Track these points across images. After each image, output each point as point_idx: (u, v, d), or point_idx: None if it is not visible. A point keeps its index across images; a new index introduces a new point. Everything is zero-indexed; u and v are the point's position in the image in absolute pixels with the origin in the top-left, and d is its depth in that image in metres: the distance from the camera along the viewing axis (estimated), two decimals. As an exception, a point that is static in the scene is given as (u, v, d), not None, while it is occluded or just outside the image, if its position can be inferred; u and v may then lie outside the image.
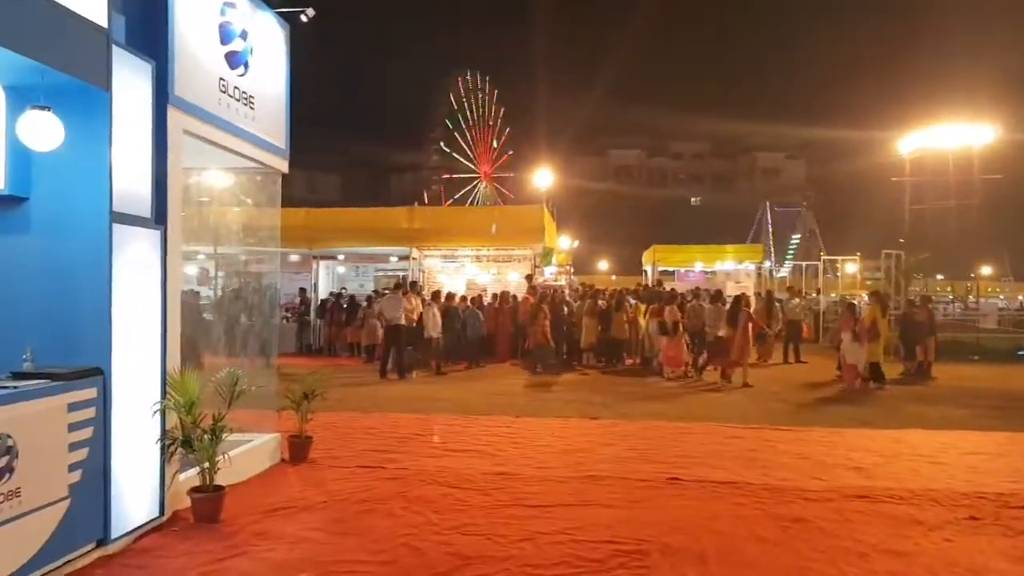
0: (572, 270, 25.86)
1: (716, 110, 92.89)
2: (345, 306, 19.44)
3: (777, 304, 18.80)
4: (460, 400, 11.49)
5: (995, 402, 11.64)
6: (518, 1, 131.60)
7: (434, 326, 15.71)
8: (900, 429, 9.26)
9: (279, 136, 7.01)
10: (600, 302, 16.86)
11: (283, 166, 7.18)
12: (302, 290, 20.76)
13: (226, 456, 5.39)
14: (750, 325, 13.69)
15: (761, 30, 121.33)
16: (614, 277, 51.12)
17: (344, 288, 21.41)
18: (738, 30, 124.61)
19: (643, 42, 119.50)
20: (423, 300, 16.39)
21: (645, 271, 32.11)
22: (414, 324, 15.16)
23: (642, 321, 16.82)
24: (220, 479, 5.37)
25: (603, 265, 60.69)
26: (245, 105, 6.29)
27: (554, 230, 22.30)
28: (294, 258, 21.05)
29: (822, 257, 25.57)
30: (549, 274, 20.83)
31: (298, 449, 7.28)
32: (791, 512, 5.66)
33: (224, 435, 5.31)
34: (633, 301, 17.08)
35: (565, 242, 33.81)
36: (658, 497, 6.08)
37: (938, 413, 10.56)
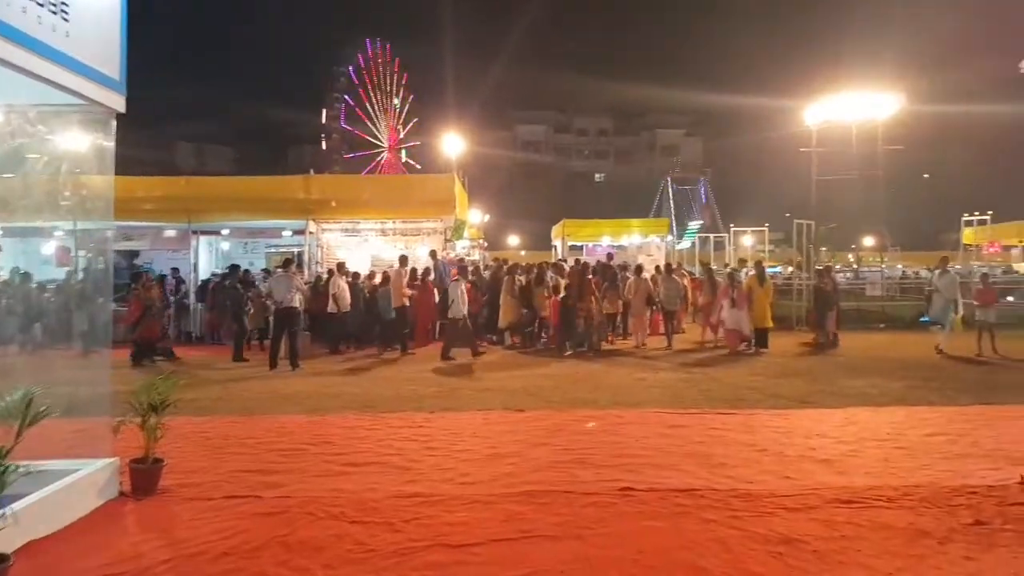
0: (486, 244, 24.53)
1: (620, 85, 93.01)
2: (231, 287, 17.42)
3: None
4: (364, 394, 10.03)
5: (924, 372, 11.26)
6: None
7: (343, 301, 14.66)
8: (846, 408, 8.55)
9: (110, 62, 5.27)
10: (519, 278, 15.65)
11: (116, 103, 5.41)
12: (174, 270, 18.50)
13: (5, 514, 3.74)
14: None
15: (666, 3, 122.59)
16: (523, 252, 50.23)
17: (235, 266, 19.27)
18: (644, 4, 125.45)
19: (549, 16, 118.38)
20: (329, 271, 15.47)
21: (555, 246, 31.59)
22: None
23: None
24: (7, 538, 3.77)
25: (513, 240, 59.73)
26: (54, 14, 4.59)
27: (466, 201, 20.87)
28: (170, 233, 18.72)
29: (731, 229, 25.24)
30: (461, 248, 19.42)
31: (143, 478, 5.63)
32: (774, 530, 4.61)
33: (11, 476, 3.71)
34: (553, 275, 15.96)
35: (475, 216, 32.40)
36: (613, 518, 4.91)
37: (874, 387, 9.97)
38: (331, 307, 14.79)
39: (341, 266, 15.63)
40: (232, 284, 14.87)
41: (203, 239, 19.45)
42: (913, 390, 9.73)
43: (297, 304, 12.99)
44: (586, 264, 16.24)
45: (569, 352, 13.98)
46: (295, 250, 19.43)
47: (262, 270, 18.67)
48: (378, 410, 8.87)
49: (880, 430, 7.35)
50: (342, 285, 14.94)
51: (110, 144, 5.59)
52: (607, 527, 4.74)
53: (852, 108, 20.07)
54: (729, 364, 12.47)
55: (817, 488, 5.41)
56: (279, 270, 13.61)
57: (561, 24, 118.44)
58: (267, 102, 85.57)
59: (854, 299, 23.39)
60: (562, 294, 14.60)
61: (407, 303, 14.85)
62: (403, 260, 15.53)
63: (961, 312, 13.61)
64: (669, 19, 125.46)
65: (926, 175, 65.89)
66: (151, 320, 13.96)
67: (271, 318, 13.62)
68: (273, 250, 20.89)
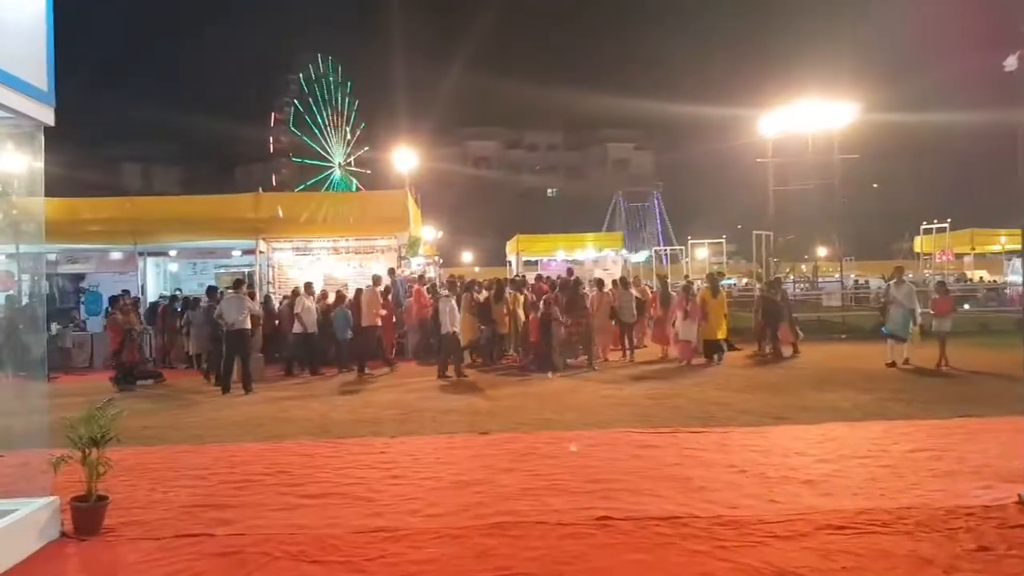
0: (441, 261, 24.14)
1: (570, 100, 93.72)
2: (179, 309, 16.72)
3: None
4: (321, 419, 9.55)
5: (892, 384, 11.22)
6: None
7: (310, 321, 14.32)
8: (821, 423, 8.39)
9: (34, 70, 4.80)
10: (476, 295, 15.32)
11: (44, 115, 4.93)
12: (125, 292, 17.71)
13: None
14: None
15: (618, 16, 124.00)
16: (477, 268, 49.94)
17: (178, 289, 18.55)
18: (594, 16, 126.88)
19: (498, 31, 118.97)
20: (294, 291, 15.20)
21: (509, 261, 31.51)
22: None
23: (520, 313, 15.53)
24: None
25: (467, 256, 59.39)
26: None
27: (419, 218, 20.49)
28: (116, 255, 17.93)
29: (689, 241, 25.35)
30: (416, 266, 19.00)
31: (86, 517, 5.14)
32: (768, 561, 4.35)
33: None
34: (511, 292, 15.69)
35: (429, 233, 32.01)
36: (593, 552, 4.58)
37: (846, 400, 9.89)
38: (297, 327, 14.32)
39: (308, 286, 15.20)
40: (210, 305, 14.06)
41: (150, 260, 18.75)
42: (886, 403, 9.65)
43: (249, 326, 12.46)
44: (578, 279, 16.14)
45: (557, 373, 13.34)
46: (245, 270, 18.77)
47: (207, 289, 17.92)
48: (336, 435, 8.43)
49: (860, 446, 7.19)
50: (308, 305, 14.49)
51: (38, 161, 5.08)
52: (587, 562, 4.42)
53: (808, 118, 20.33)
54: (694, 378, 12.31)
55: (805, 512, 5.17)
56: (229, 291, 13.05)
57: (511, 39, 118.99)
58: (214, 121, 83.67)
59: (812, 309, 23.75)
60: (540, 310, 14.12)
61: (379, 322, 14.60)
62: (377, 279, 15.20)
63: (919, 322, 13.34)
64: (618, 32, 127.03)
65: (875, 184, 67.73)
66: (132, 344, 13.44)
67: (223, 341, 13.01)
68: (223, 270, 20.16)
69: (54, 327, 16.31)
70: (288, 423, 9.33)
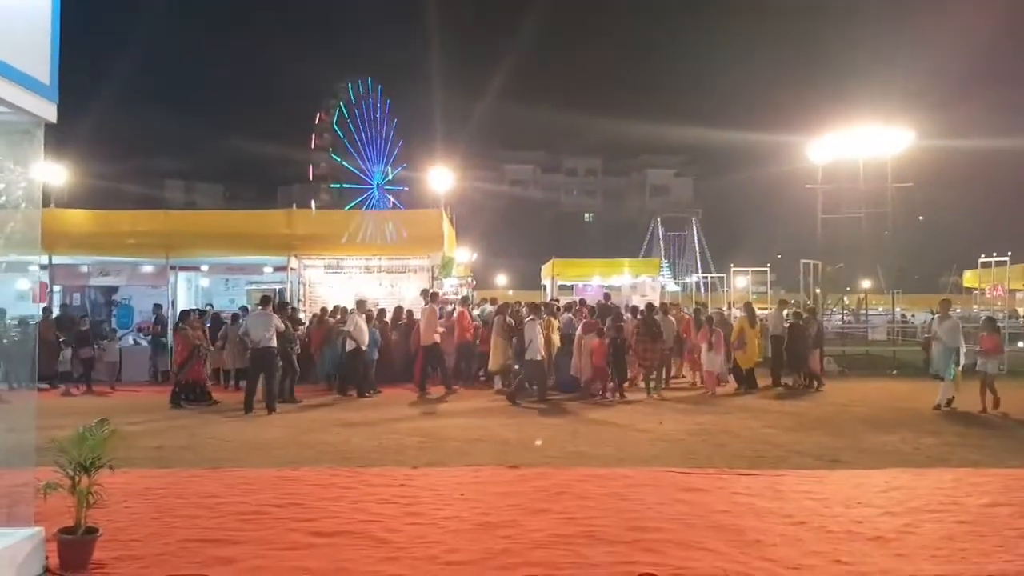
0: (474, 283, 23.70)
1: (610, 125, 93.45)
2: (209, 325, 16.49)
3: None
4: (343, 444, 9.06)
5: (955, 427, 10.37)
6: (411, 13, 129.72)
7: (362, 339, 13.75)
8: (883, 469, 7.64)
9: (37, 63, 4.43)
10: (509, 318, 14.77)
11: (45, 111, 4.52)
12: (157, 307, 17.58)
13: None
14: None
15: (660, 41, 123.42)
16: (511, 292, 49.42)
17: (210, 305, 18.36)
18: (635, 40, 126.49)
19: (537, 56, 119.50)
20: (344, 309, 14.91)
21: (544, 285, 31.09)
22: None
23: (555, 338, 14.92)
24: None
25: (501, 280, 58.93)
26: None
27: (454, 238, 20.10)
28: (148, 269, 17.80)
29: (732, 269, 24.54)
30: (449, 287, 18.58)
31: (73, 551, 4.68)
32: (842, 639, 3.69)
33: None
34: (544, 316, 15.09)
35: (463, 255, 31.66)
36: (636, 618, 3.97)
37: (906, 443, 9.11)
38: (350, 345, 13.83)
39: (361, 304, 14.72)
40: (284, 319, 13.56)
41: (181, 275, 18.57)
42: (951, 448, 8.85)
43: (275, 344, 12.10)
44: (651, 304, 15.74)
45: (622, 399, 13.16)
46: (276, 287, 18.55)
47: (240, 308, 17.66)
48: (356, 463, 7.92)
49: (931, 498, 6.45)
50: (360, 323, 14.06)
51: (35, 157, 4.69)
52: (631, 631, 3.81)
53: (860, 144, 19.49)
54: (739, 414, 11.55)
55: (880, 577, 4.50)
56: (257, 308, 12.74)
57: (550, 64, 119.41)
58: (258, 140, 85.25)
59: (858, 343, 22.70)
60: (609, 336, 13.73)
61: (438, 340, 14.42)
62: (433, 296, 15.06)
63: (963, 362, 11.98)
64: (661, 57, 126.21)
65: (920, 217, 65.77)
66: (198, 361, 13.14)
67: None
68: (254, 287, 19.96)
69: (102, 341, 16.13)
70: (308, 448, 8.86)
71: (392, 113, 59.83)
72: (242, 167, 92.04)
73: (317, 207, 58.80)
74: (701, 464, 7.84)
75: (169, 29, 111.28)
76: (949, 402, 11.83)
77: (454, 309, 17.18)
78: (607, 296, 17.24)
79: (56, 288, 18.02)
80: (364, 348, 13.79)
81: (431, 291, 15.70)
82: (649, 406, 12.59)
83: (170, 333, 17.14)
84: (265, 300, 12.50)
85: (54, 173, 21.09)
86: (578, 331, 13.84)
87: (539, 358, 13.00)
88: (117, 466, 7.19)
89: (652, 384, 13.81)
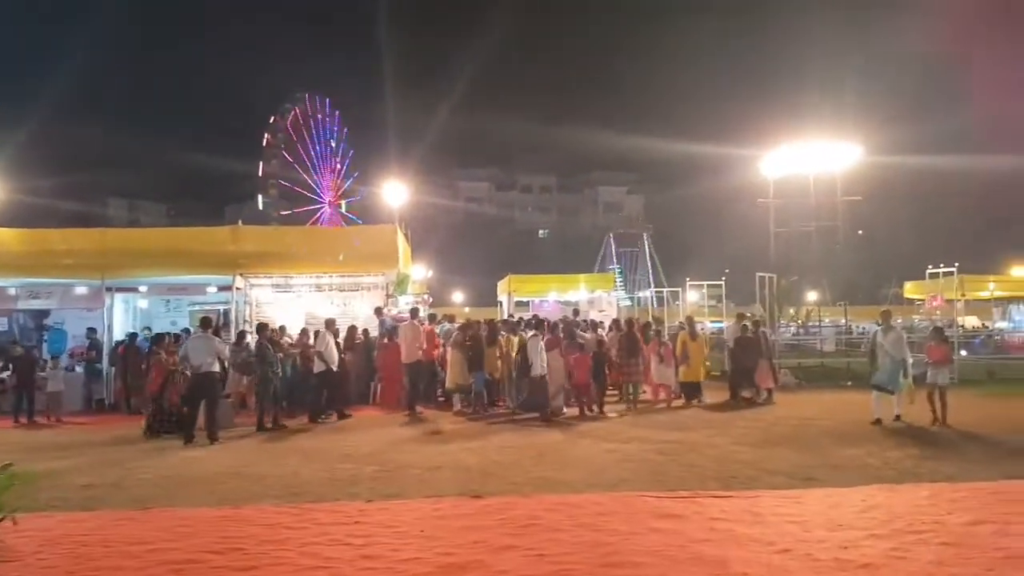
0: (431, 300, 23.13)
1: (563, 140, 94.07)
2: (147, 351, 15.59)
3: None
4: (291, 476, 8.44)
5: (917, 439, 10.23)
6: (359, 30, 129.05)
7: (332, 359, 13.32)
8: (857, 487, 7.38)
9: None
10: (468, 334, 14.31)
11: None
12: (91, 331, 16.60)
13: None
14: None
15: (614, 56, 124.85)
16: (467, 309, 48.88)
17: (147, 328, 17.39)
18: (589, 57, 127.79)
19: (492, 73, 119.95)
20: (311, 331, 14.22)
21: (500, 302, 30.79)
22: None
23: (513, 355, 14.51)
24: None
25: (458, 296, 58.41)
26: None
27: (409, 255, 19.53)
28: (81, 291, 16.77)
29: (688, 283, 24.52)
30: (404, 304, 17.98)
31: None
32: None
33: None
34: (504, 334, 14.69)
35: (419, 271, 31.10)
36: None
37: (873, 457, 8.91)
38: (318, 366, 13.28)
39: (331, 323, 14.22)
40: (261, 343, 13.01)
41: (118, 296, 17.56)
42: (918, 461, 8.68)
43: (217, 369, 11.39)
44: (631, 319, 15.93)
45: (615, 414, 13.24)
46: (221, 308, 17.71)
47: (182, 330, 16.76)
48: (306, 499, 7.32)
49: (911, 517, 6.19)
50: (330, 342, 13.53)
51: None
52: None
53: (810, 158, 19.67)
54: (704, 431, 11.24)
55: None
56: (197, 331, 12.01)
57: (505, 80, 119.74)
58: (203, 157, 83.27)
59: (808, 355, 22.86)
60: (592, 350, 13.92)
61: (422, 356, 14.18)
62: (414, 313, 14.91)
63: (911, 374, 11.67)
64: (616, 70, 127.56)
65: (860, 231, 67.46)
66: (175, 387, 12.28)
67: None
68: (198, 308, 19.04)
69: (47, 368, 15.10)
70: (253, 481, 8.21)
71: (343, 125, 58.98)
72: (188, 186, 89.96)
73: (268, 217, 57.37)
74: (673, 487, 7.47)
75: (116, 42, 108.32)
76: (897, 417, 11.45)
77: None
78: (576, 312, 16.94)
79: (-15, 312, 16.91)
80: (335, 369, 13.31)
81: (413, 307, 15.68)
82: (613, 424, 12.26)
83: (105, 359, 16.22)
84: (205, 322, 11.77)
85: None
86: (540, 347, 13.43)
87: (542, 374, 12.78)
88: (35, 509, 6.54)
89: (631, 396, 14.29)
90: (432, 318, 17.80)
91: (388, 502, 7.10)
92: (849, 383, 18.22)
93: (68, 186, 69.45)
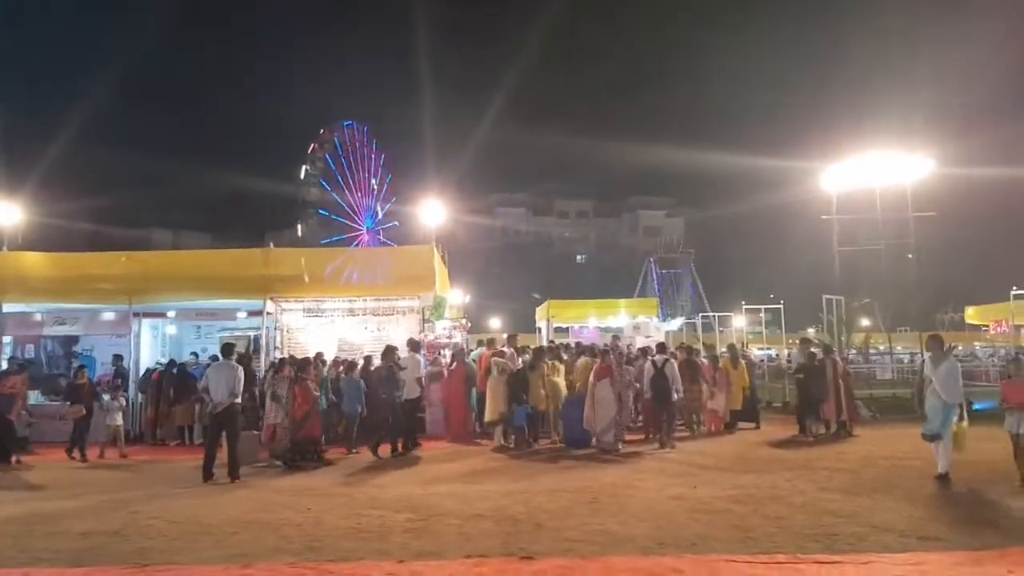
0: (468, 324, 22.13)
1: (602, 164, 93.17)
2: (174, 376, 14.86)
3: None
4: (312, 525, 7.35)
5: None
6: (399, 58, 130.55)
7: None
8: (991, 549, 6.04)
9: None
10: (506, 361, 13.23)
11: None
12: (117, 358, 15.89)
13: None
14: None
15: (656, 68, 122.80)
16: (505, 335, 47.87)
17: (194, 354, 16.68)
18: (630, 70, 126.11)
19: (526, 95, 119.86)
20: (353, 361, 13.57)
21: (539, 327, 29.88)
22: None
23: (561, 384, 13.39)
24: None
25: (495, 322, 57.44)
26: None
27: (446, 277, 18.56)
28: (108, 316, 16.15)
29: (743, 306, 23.09)
30: (441, 329, 16.99)
31: None
32: None
33: None
34: (549, 360, 13.54)
35: (457, 296, 30.20)
36: None
37: (991, 508, 7.51)
38: (411, 392, 12.75)
39: (416, 345, 13.77)
40: (392, 367, 12.44)
41: (146, 322, 16.90)
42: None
43: (239, 400, 10.45)
44: (689, 347, 15.54)
45: (673, 448, 12.23)
46: (251, 333, 16.92)
47: (210, 357, 15.99)
48: (326, 555, 6.25)
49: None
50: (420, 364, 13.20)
51: None
52: None
53: (877, 171, 18.21)
54: (782, 472, 9.84)
55: None
56: (220, 359, 11.12)
57: (539, 106, 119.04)
58: (246, 184, 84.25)
59: (878, 385, 21.18)
60: (648, 374, 13.14)
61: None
62: (414, 345, 13.83)
63: (966, 419, 9.22)
64: (658, 84, 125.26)
65: (910, 255, 64.48)
66: (317, 416, 11.83)
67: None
68: (227, 333, 18.30)
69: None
70: (269, 531, 7.15)
71: (381, 151, 59.03)
72: (230, 214, 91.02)
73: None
74: (764, 546, 6.20)
75: (162, 73, 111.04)
76: (943, 475, 8.95)
77: (448, 354, 15.64)
78: (616, 338, 15.78)
79: (6, 339, 16.35)
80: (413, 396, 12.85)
81: (411, 339, 14.31)
82: (671, 461, 10.96)
83: (132, 387, 15.47)
84: (227, 349, 10.83)
85: (6, 213, 19.51)
86: (591, 378, 12.26)
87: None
88: (20, 564, 5.64)
89: (696, 423, 14.36)
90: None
91: (422, 562, 5.98)
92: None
93: (113, 213, 70.69)
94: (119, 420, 13.36)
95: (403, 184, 60.92)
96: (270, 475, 10.63)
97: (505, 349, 14.52)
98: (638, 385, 13.25)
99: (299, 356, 15.29)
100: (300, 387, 11.76)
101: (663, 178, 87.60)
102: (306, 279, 15.46)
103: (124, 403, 13.91)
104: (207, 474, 10.09)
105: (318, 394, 12.11)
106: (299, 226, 60.26)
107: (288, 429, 11.47)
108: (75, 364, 17.89)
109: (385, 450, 12.00)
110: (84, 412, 12.78)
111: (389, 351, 12.68)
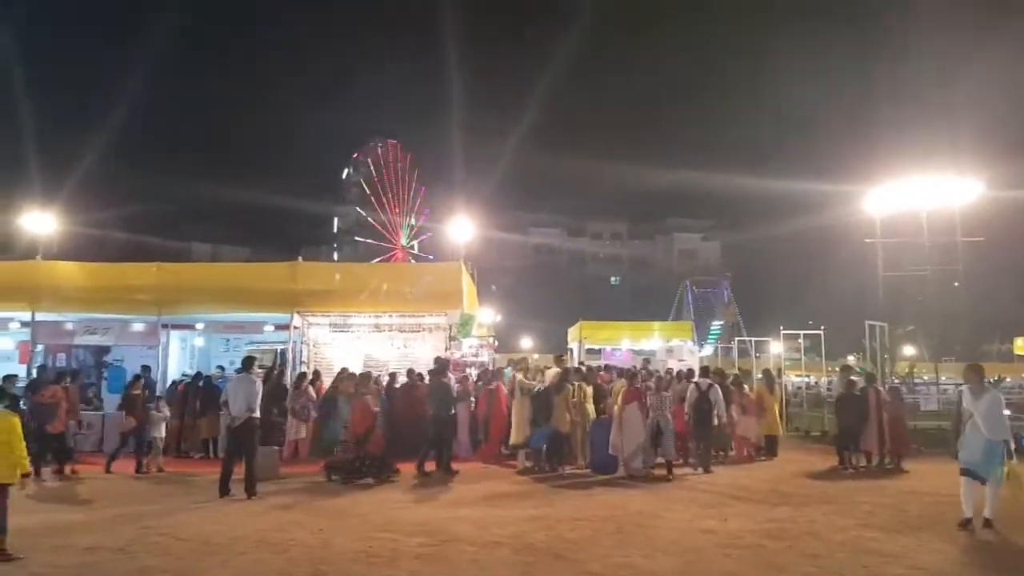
0: (496, 343, 21.82)
1: (636, 185, 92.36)
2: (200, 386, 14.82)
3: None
4: (320, 547, 7.07)
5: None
6: (433, 81, 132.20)
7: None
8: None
9: None
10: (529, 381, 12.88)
11: None
12: (145, 368, 15.87)
13: None
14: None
15: (691, 87, 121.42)
16: (536, 356, 47.43)
17: (220, 368, 16.67)
18: (665, 91, 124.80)
19: (561, 120, 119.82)
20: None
21: (570, 349, 29.39)
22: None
23: (589, 407, 12.97)
24: None
25: (526, 342, 57.01)
26: None
27: (475, 295, 18.29)
28: (138, 327, 16.18)
29: (782, 331, 22.37)
30: (468, 348, 16.71)
31: None
32: None
33: None
34: (576, 382, 13.13)
35: (487, 315, 29.95)
36: None
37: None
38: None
39: (445, 364, 13.29)
40: (444, 383, 12.35)
41: (175, 333, 16.94)
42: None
43: (258, 414, 10.25)
44: (720, 370, 15.39)
45: (710, 472, 12.18)
46: (279, 347, 16.82)
47: (236, 370, 15.91)
48: (334, 581, 5.94)
49: None
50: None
51: None
52: None
53: (924, 194, 17.55)
54: (817, 505, 9.33)
55: None
56: (239, 372, 10.94)
57: (574, 128, 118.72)
58: (284, 203, 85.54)
59: (923, 417, 20.26)
60: (691, 397, 12.72)
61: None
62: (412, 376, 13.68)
63: (1014, 457, 8.22)
64: (693, 104, 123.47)
65: (956, 283, 62.47)
66: (378, 432, 11.93)
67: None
68: (256, 347, 18.26)
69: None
70: (276, 552, 6.88)
71: (414, 166, 59.64)
72: (268, 230, 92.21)
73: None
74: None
75: (199, 96, 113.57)
76: (987, 523, 7.95)
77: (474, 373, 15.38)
78: (647, 361, 15.34)
79: (38, 348, 16.49)
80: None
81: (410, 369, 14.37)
82: (702, 492, 10.45)
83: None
84: (248, 362, 10.66)
85: (41, 222, 19.82)
86: (618, 402, 11.83)
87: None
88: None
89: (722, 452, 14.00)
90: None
91: (432, 594, 5.64)
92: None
93: (153, 225, 72.08)
94: (162, 431, 13.08)
95: (434, 201, 61.34)
96: (287, 491, 10.37)
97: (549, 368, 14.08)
98: (687, 413, 12.76)
99: (323, 371, 15.29)
100: (359, 403, 11.55)
101: (699, 199, 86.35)
102: (336, 277, 15.51)
103: (168, 414, 13.54)
104: (223, 489, 9.88)
105: (377, 409, 11.92)
106: (335, 254, 61.23)
107: (351, 445, 11.35)
108: (105, 374, 18.10)
109: (431, 467, 11.72)
110: (136, 424, 12.52)
111: (441, 367, 12.43)
